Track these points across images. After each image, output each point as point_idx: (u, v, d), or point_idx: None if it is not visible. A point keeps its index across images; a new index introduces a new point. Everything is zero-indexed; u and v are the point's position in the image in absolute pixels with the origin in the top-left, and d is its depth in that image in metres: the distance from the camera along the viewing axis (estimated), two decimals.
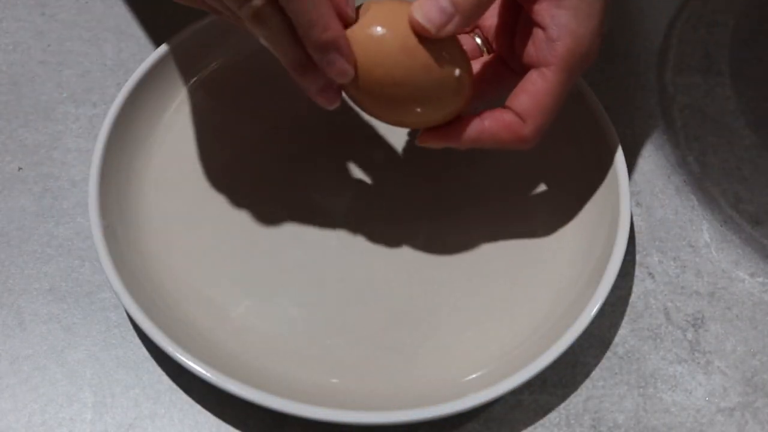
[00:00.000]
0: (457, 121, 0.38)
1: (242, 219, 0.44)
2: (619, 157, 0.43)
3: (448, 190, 0.45)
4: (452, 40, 0.37)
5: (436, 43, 0.36)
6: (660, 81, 0.51)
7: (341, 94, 0.38)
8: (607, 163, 0.43)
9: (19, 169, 0.46)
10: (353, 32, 0.36)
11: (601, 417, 0.40)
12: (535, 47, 0.38)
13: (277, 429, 0.39)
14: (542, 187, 0.45)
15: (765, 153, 0.48)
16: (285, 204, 0.44)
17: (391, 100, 0.37)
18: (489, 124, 0.38)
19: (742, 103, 0.50)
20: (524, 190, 0.45)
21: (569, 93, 0.38)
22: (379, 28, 0.36)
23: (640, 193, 0.46)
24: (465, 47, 0.39)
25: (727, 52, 0.52)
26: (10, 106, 0.49)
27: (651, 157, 0.48)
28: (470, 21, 0.36)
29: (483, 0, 0.35)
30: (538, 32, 0.38)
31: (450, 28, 0.35)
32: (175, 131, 0.46)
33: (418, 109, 0.37)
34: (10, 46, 0.51)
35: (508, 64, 0.41)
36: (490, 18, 0.42)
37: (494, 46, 0.42)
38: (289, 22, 0.34)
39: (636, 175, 0.47)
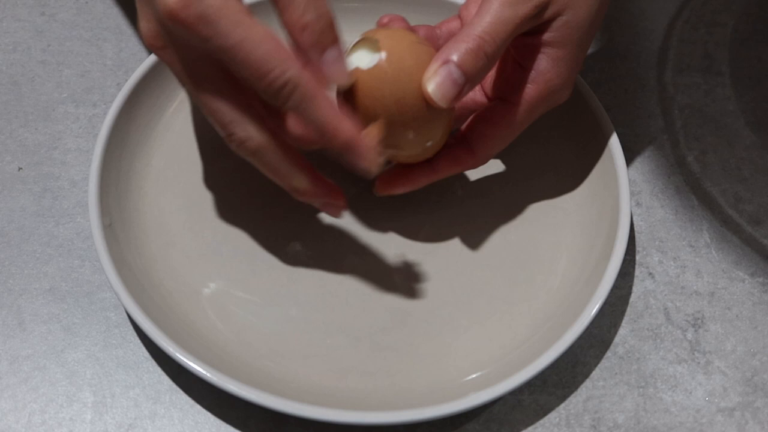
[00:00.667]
0: (410, 171, 0.41)
1: (242, 219, 0.44)
2: (619, 157, 0.43)
3: (449, 190, 0.45)
4: None
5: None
6: (660, 81, 0.51)
7: (346, 205, 0.40)
8: (607, 163, 0.43)
9: (19, 169, 0.46)
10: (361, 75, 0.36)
11: (601, 417, 0.40)
12: (509, 82, 0.39)
13: (277, 429, 0.39)
14: (542, 187, 0.45)
15: (765, 153, 0.48)
16: (285, 204, 0.44)
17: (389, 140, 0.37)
18: (440, 166, 0.40)
19: (742, 103, 0.50)
20: (524, 190, 0.45)
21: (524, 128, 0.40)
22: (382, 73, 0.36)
23: (640, 193, 0.46)
24: None
25: (727, 52, 0.52)
26: (10, 106, 0.49)
27: (651, 157, 0.48)
28: (476, 84, 0.37)
29: (492, 63, 0.37)
30: (516, 69, 0.39)
31: (461, 97, 0.36)
32: (175, 131, 0.46)
33: (407, 148, 0.39)
34: (10, 46, 0.51)
35: (482, 87, 0.43)
36: None
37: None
38: (285, 155, 0.36)
39: (636, 175, 0.47)
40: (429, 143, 0.39)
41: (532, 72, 0.38)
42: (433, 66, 0.36)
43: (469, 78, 0.36)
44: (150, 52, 0.47)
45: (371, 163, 0.35)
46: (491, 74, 0.41)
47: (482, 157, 0.40)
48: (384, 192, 0.41)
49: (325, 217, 0.44)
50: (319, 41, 0.34)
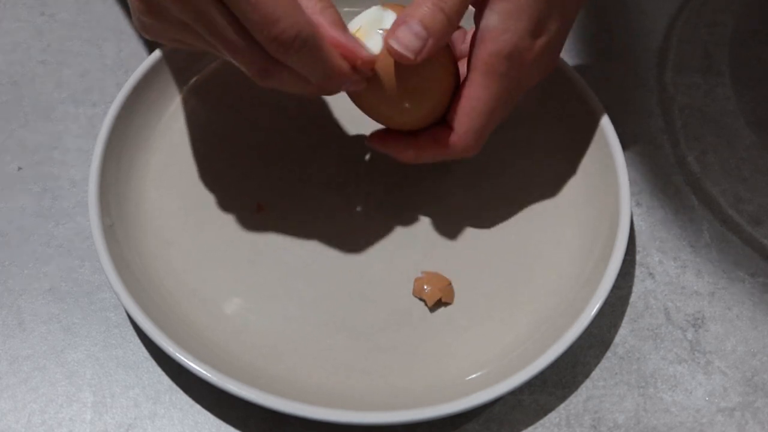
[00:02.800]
0: (397, 133, 0.40)
1: (242, 219, 0.44)
2: (619, 157, 0.43)
3: (448, 191, 0.45)
4: (441, 52, 0.38)
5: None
6: (660, 81, 0.51)
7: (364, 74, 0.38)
8: (607, 163, 0.43)
9: (19, 169, 0.46)
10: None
11: (601, 417, 0.40)
12: (470, 52, 0.39)
13: (277, 429, 0.39)
14: (542, 187, 0.45)
15: (765, 153, 0.48)
16: (285, 203, 0.44)
17: (387, 100, 0.38)
18: (421, 138, 0.40)
19: (742, 103, 0.50)
20: (524, 191, 0.45)
21: (510, 96, 0.39)
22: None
23: (640, 193, 0.46)
24: None
25: (727, 52, 0.52)
26: (10, 106, 0.49)
27: (651, 157, 0.48)
28: (441, 42, 0.37)
29: (452, 19, 0.37)
30: (473, 36, 0.39)
31: (426, 52, 0.36)
32: (175, 131, 0.46)
33: (408, 111, 0.39)
34: (10, 46, 0.51)
35: None
36: None
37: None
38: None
39: (636, 175, 0.47)
40: (420, 112, 0.39)
41: (480, 31, 0.38)
42: (394, 26, 0.37)
43: (430, 32, 0.36)
44: (150, 50, 0.47)
45: (360, 86, 0.37)
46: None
47: (461, 133, 0.39)
48: (372, 141, 0.41)
49: (326, 217, 0.44)
50: (336, 21, 0.35)
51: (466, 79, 0.39)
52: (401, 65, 0.37)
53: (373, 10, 0.38)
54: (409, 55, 0.36)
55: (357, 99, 0.40)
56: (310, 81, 0.36)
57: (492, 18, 0.37)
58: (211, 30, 0.34)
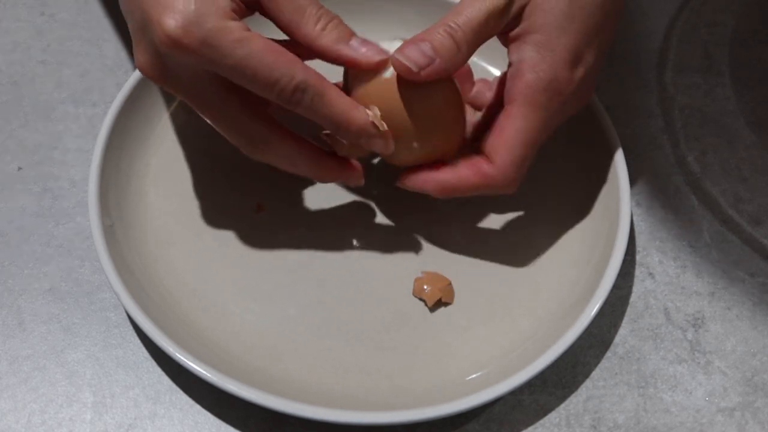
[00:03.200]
0: (434, 166, 0.40)
1: (242, 219, 0.44)
2: (619, 157, 0.43)
3: None
4: (449, 85, 0.39)
5: (432, 86, 0.38)
6: (660, 81, 0.51)
7: (361, 173, 0.41)
8: (607, 163, 0.43)
9: (19, 169, 0.46)
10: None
11: (601, 417, 0.40)
12: (506, 86, 0.39)
13: (277, 429, 0.39)
14: (543, 187, 0.45)
15: (765, 153, 0.48)
16: (285, 204, 0.44)
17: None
18: (461, 170, 0.39)
19: (742, 103, 0.50)
20: (524, 191, 0.45)
21: (549, 128, 0.39)
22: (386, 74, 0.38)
23: (640, 193, 0.46)
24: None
25: (727, 52, 0.52)
26: (10, 106, 0.49)
27: (651, 157, 0.48)
28: (450, 67, 0.37)
29: (461, 47, 0.37)
30: (509, 70, 0.39)
31: (430, 71, 0.37)
32: (175, 131, 0.46)
33: (414, 144, 0.39)
34: (10, 46, 0.51)
35: None
36: None
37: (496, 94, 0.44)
38: (292, 143, 0.38)
39: (636, 175, 0.47)
40: (424, 150, 0.39)
41: (517, 65, 0.38)
42: (403, 45, 0.38)
43: (438, 53, 0.37)
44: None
45: (386, 143, 0.38)
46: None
47: (501, 165, 0.38)
48: (406, 184, 0.40)
49: (325, 218, 0.44)
50: (340, 37, 0.36)
51: (503, 112, 0.39)
52: (408, 100, 0.37)
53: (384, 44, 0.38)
54: (413, 68, 0.37)
55: None
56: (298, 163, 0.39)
57: (527, 50, 0.38)
58: (210, 105, 0.37)
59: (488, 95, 0.44)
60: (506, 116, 0.38)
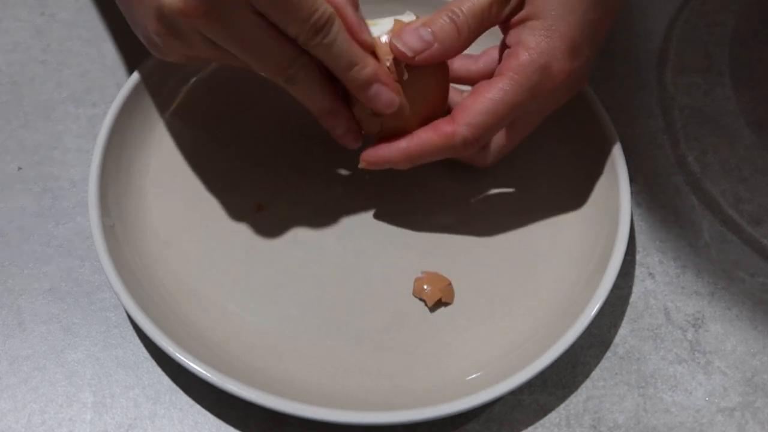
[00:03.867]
0: (390, 138, 0.40)
1: (242, 219, 0.44)
2: (619, 157, 0.43)
3: (448, 190, 0.45)
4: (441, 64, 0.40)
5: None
6: (660, 81, 0.51)
7: (362, 134, 0.41)
8: (607, 163, 0.43)
9: (19, 169, 0.46)
10: None
11: (601, 417, 0.40)
12: (498, 65, 0.39)
13: (277, 429, 0.39)
14: (542, 187, 0.45)
15: (765, 153, 0.48)
16: (285, 204, 0.44)
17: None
18: (420, 133, 0.39)
19: (742, 103, 0.50)
20: (524, 191, 0.45)
21: (519, 107, 0.38)
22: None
23: (640, 193, 0.46)
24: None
25: (727, 52, 0.52)
26: (10, 106, 0.49)
27: (651, 157, 0.48)
28: (448, 51, 0.38)
29: (462, 32, 0.38)
30: (505, 52, 0.40)
31: (428, 55, 0.38)
32: (175, 131, 0.46)
33: (401, 121, 0.39)
34: (10, 46, 0.51)
35: None
36: None
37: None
38: (317, 75, 0.38)
39: (636, 175, 0.47)
40: (413, 123, 0.40)
41: (512, 47, 0.39)
42: (405, 28, 0.38)
43: (437, 37, 0.38)
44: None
45: (392, 98, 0.38)
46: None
47: (461, 124, 0.38)
48: (368, 160, 0.40)
49: (325, 218, 0.44)
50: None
51: (486, 81, 0.39)
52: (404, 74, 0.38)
53: (387, 21, 0.39)
54: (408, 53, 0.37)
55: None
56: (325, 93, 0.38)
57: (526, 34, 0.38)
58: (242, 43, 0.36)
59: (472, 68, 0.44)
60: (486, 84, 0.39)
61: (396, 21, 0.39)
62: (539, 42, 0.38)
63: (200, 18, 0.34)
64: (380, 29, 0.39)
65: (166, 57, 0.39)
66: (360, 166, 0.40)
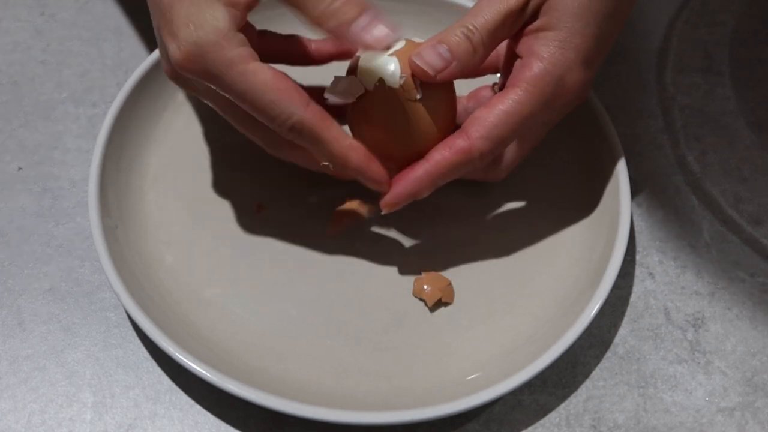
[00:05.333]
0: (406, 170, 0.39)
1: (242, 219, 0.44)
2: (619, 157, 0.43)
3: (448, 190, 0.45)
4: (449, 86, 0.39)
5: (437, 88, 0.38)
6: (660, 81, 0.51)
7: (388, 180, 0.39)
8: (607, 163, 0.43)
9: (19, 169, 0.46)
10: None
11: (601, 417, 0.40)
12: (510, 76, 0.39)
13: (277, 429, 0.39)
14: (542, 187, 0.45)
15: (765, 153, 0.48)
16: (285, 204, 0.44)
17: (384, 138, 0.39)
18: (434, 155, 0.38)
19: (742, 103, 0.50)
20: (524, 191, 0.45)
21: (532, 119, 0.38)
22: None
23: (640, 193, 0.46)
24: (484, 96, 0.43)
25: (727, 52, 0.52)
26: (10, 106, 0.49)
27: (651, 157, 0.48)
28: (466, 69, 0.38)
29: (478, 49, 0.37)
30: (516, 62, 0.39)
31: (447, 73, 0.37)
32: (175, 131, 0.46)
33: (412, 146, 0.39)
34: (10, 46, 0.51)
35: None
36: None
37: (502, 80, 0.43)
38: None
39: (636, 175, 0.47)
40: (427, 145, 0.39)
41: (524, 57, 0.38)
42: (422, 46, 0.38)
43: (455, 55, 0.37)
44: (150, 50, 0.47)
45: (382, 183, 0.38)
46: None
47: (475, 138, 0.37)
48: (390, 204, 0.39)
49: (325, 218, 0.44)
50: (347, 19, 0.35)
51: (499, 92, 0.39)
52: (401, 100, 0.38)
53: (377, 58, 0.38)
54: (430, 71, 0.37)
55: (355, 130, 0.40)
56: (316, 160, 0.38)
57: (541, 45, 0.38)
58: (227, 113, 0.39)
59: (470, 105, 0.44)
60: (500, 96, 0.38)
61: (407, 40, 0.38)
62: (553, 53, 0.38)
63: (197, 74, 0.36)
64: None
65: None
66: (383, 212, 0.39)
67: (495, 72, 0.44)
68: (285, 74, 0.36)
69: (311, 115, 0.36)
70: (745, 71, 0.51)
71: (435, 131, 0.39)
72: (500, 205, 0.45)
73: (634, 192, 0.46)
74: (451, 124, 0.40)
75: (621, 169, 0.42)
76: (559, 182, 0.45)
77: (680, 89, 0.50)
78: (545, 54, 0.38)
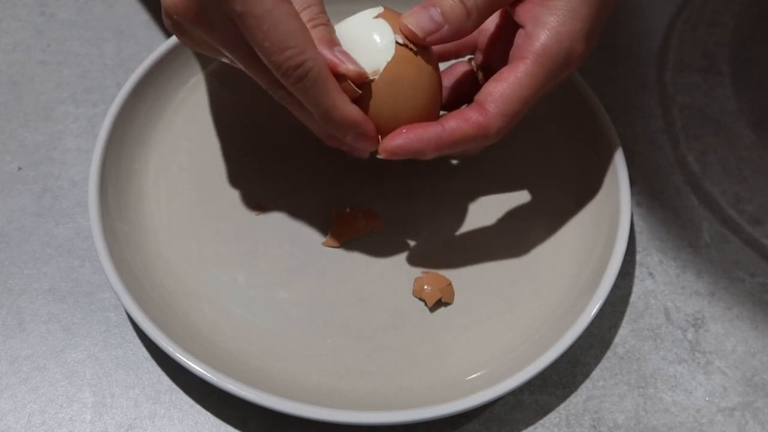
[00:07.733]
0: (417, 125, 0.37)
1: (242, 219, 0.44)
2: (619, 157, 0.43)
3: (449, 189, 0.45)
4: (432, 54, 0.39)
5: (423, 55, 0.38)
6: (660, 81, 0.51)
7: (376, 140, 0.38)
8: (607, 163, 0.43)
9: (19, 169, 0.46)
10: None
11: (601, 417, 0.40)
12: (515, 46, 0.38)
13: (277, 429, 0.39)
14: (543, 187, 0.45)
15: (765, 153, 0.48)
16: (285, 203, 0.44)
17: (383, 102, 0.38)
18: (448, 122, 0.37)
19: (742, 103, 0.50)
20: (524, 190, 0.45)
21: (541, 92, 0.37)
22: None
23: (640, 193, 0.46)
24: (460, 71, 0.42)
25: (727, 52, 0.52)
26: (10, 106, 0.49)
27: (651, 157, 0.48)
28: (458, 33, 0.37)
29: (472, 14, 0.37)
30: (519, 32, 0.38)
31: (438, 36, 0.37)
32: (175, 131, 0.46)
33: (399, 114, 0.38)
34: (10, 46, 0.51)
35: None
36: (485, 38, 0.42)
37: (484, 56, 0.42)
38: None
39: (636, 175, 0.47)
40: (415, 115, 0.38)
41: (532, 25, 0.37)
42: (414, 9, 0.37)
43: (447, 19, 0.36)
44: (149, 50, 0.47)
45: (373, 146, 0.37)
46: (504, 54, 0.40)
47: (495, 113, 0.37)
48: (389, 149, 0.37)
49: (326, 218, 0.44)
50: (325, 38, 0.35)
51: (508, 65, 0.38)
52: (392, 73, 0.37)
53: (365, 18, 0.37)
54: (420, 34, 0.36)
55: None
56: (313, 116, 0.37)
57: (547, 15, 0.37)
58: (231, 51, 0.36)
59: (479, 39, 0.43)
60: (511, 69, 0.37)
61: (385, 8, 0.38)
62: (563, 23, 0.37)
63: (192, 21, 0.34)
64: (361, 18, 0.38)
65: (188, 47, 0.39)
66: (379, 156, 0.38)
67: (472, 52, 0.43)
68: None
69: (322, 59, 0.35)
70: (745, 71, 0.51)
71: (423, 104, 0.38)
72: (500, 205, 0.45)
73: (634, 192, 0.46)
74: (437, 95, 0.39)
75: (621, 169, 0.42)
76: (559, 182, 0.45)
77: (680, 89, 0.50)
78: (554, 23, 0.37)
